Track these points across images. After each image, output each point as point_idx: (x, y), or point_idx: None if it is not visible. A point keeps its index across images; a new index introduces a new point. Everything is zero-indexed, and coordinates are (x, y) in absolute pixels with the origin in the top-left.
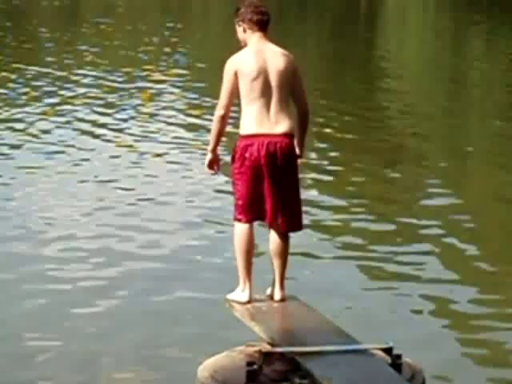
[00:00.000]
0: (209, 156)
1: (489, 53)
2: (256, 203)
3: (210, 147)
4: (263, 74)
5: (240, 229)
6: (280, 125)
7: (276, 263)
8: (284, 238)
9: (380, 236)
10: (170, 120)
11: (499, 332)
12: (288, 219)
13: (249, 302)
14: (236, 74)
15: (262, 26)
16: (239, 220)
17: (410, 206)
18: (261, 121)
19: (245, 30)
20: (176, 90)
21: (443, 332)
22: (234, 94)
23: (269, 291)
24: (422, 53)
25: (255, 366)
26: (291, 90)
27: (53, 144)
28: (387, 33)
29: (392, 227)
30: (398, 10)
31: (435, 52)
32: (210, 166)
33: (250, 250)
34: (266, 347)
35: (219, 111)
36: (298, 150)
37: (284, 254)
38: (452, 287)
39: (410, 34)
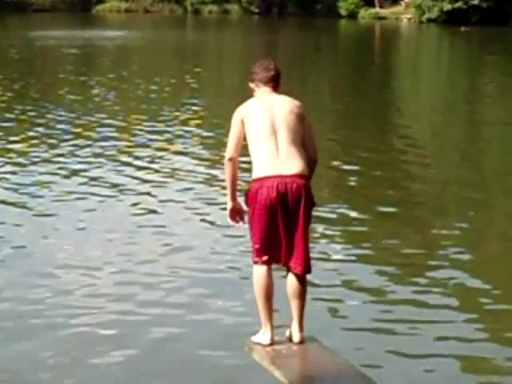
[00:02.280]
0: (229, 205)
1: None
2: (272, 245)
3: (228, 195)
4: (269, 117)
5: (258, 272)
6: (291, 166)
7: (294, 305)
8: (301, 280)
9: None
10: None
11: None
12: (302, 261)
13: (271, 344)
14: (243, 122)
15: (268, 81)
16: (256, 262)
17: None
18: (270, 163)
19: (254, 90)
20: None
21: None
22: (241, 140)
23: (288, 333)
24: (437, 95)
25: None
26: (302, 135)
27: (105, 188)
28: (401, 76)
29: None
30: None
31: (451, 92)
32: (232, 216)
33: (270, 293)
34: None
35: (227, 155)
36: None
37: (302, 295)
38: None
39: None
